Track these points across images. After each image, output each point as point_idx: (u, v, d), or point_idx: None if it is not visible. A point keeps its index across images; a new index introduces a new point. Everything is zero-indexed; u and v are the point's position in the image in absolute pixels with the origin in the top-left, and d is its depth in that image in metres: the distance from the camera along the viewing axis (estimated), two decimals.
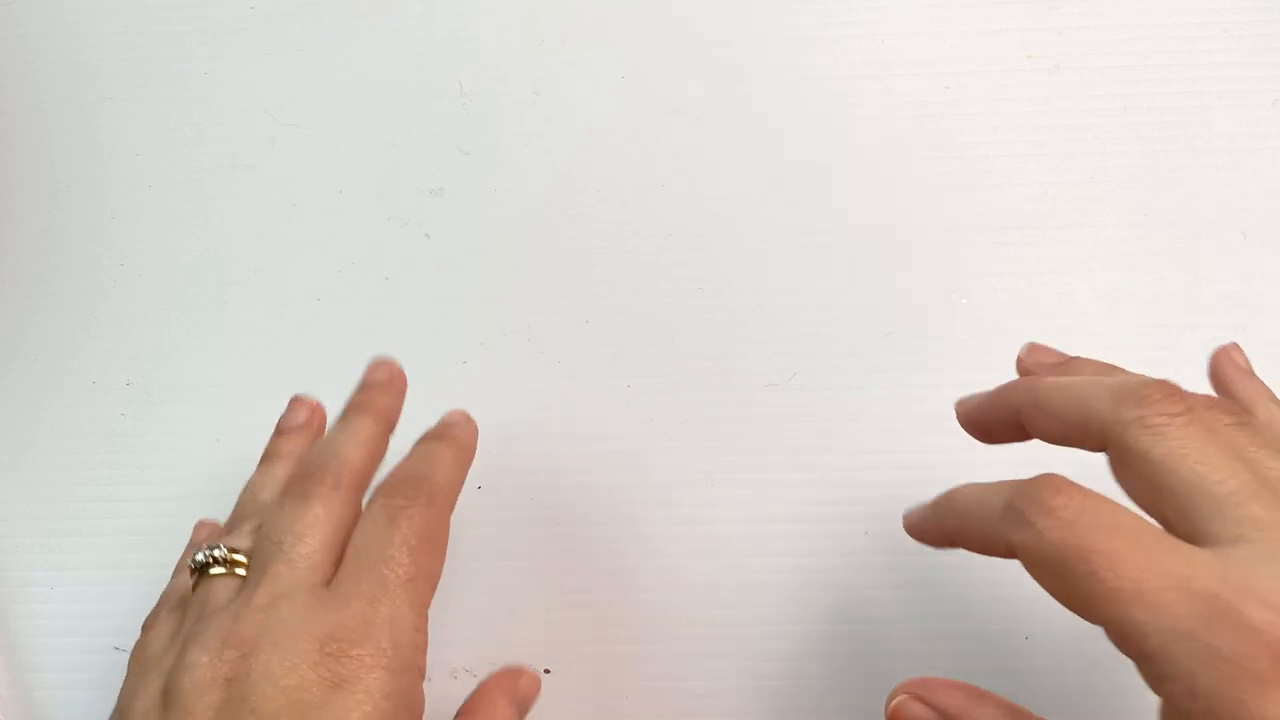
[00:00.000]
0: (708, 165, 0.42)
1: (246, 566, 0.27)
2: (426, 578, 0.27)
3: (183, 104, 0.43)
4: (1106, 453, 0.24)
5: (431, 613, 0.38)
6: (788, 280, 0.40)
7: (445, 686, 0.37)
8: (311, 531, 0.27)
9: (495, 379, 0.39)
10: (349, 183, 0.42)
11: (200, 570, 0.27)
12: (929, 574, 0.36)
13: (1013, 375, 0.39)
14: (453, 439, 0.31)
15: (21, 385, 0.40)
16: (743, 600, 0.37)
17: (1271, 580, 0.20)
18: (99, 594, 0.38)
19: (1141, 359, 0.39)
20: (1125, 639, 0.21)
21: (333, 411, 0.35)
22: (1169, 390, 0.23)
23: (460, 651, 0.37)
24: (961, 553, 0.34)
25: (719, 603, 0.37)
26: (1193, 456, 0.22)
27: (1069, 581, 0.22)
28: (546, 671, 0.37)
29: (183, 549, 0.34)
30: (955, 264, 0.40)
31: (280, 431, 0.33)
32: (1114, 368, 0.28)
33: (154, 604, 0.30)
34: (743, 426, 0.38)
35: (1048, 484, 0.23)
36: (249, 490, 0.30)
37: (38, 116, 0.44)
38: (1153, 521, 0.23)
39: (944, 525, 0.27)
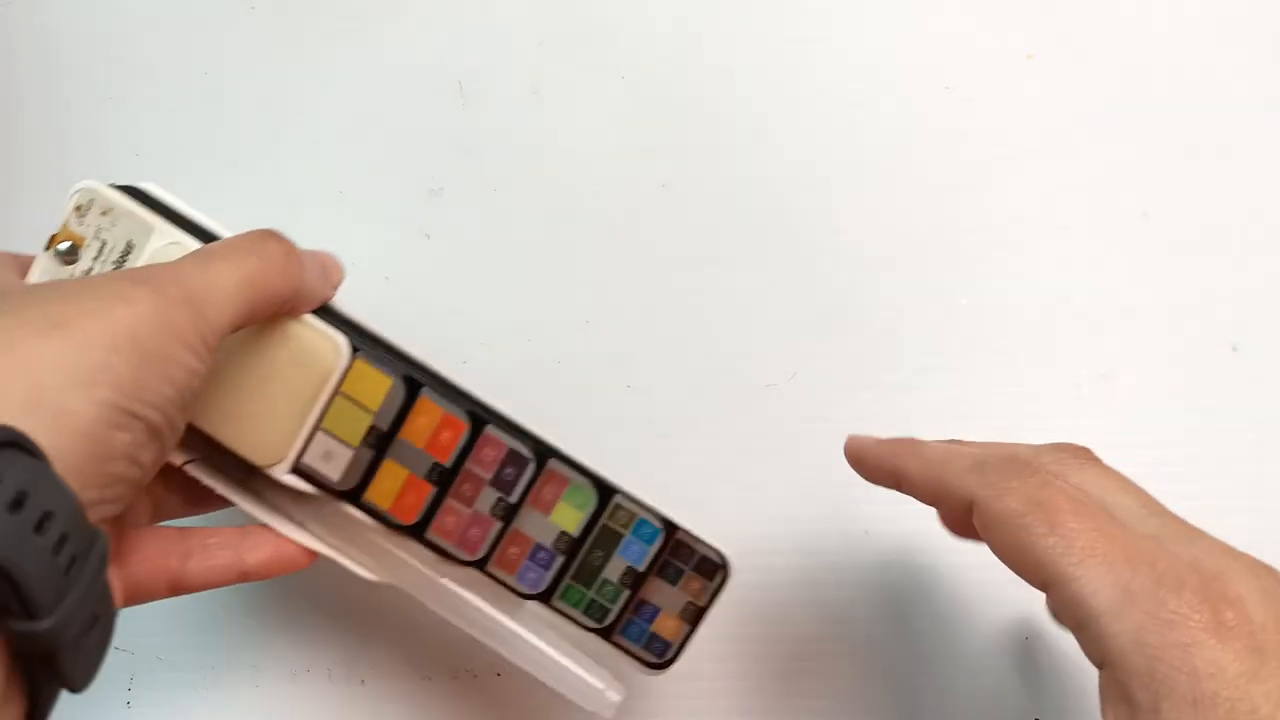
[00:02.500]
0: (708, 166, 0.42)
1: None
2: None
3: (183, 104, 0.43)
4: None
5: (431, 612, 0.38)
6: (788, 280, 0.40)
7: (445, 686, 0.37)
8: None
9: (495, 379, 0.39)
10: (349, 183, 0.42)
11: None
12: (929, 574, 0.36)
13: (1009, 375, 0.39)
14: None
15: None
16: (742, 600, 0.37)
17: (1196, 552, 0.24)
18: None
19: (1141, 359, 0.39)
20: (1076, 600, 0.24)
21: None
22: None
23: (460, 651, 0.37)
24: (964, 553, 0.34)
25: (718, 602, 0.37)
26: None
27: (1027, 538, 0.24)
28: None
29: None
30: (955, 264, 0.40)
31: None
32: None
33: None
34: (743, 426, 0.38)
35: (1021, 455, 0.27)
36: None
37: (37, 116, 0.44)
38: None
39: (900, 464, 0.29)
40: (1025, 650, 0.36)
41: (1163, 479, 0.28)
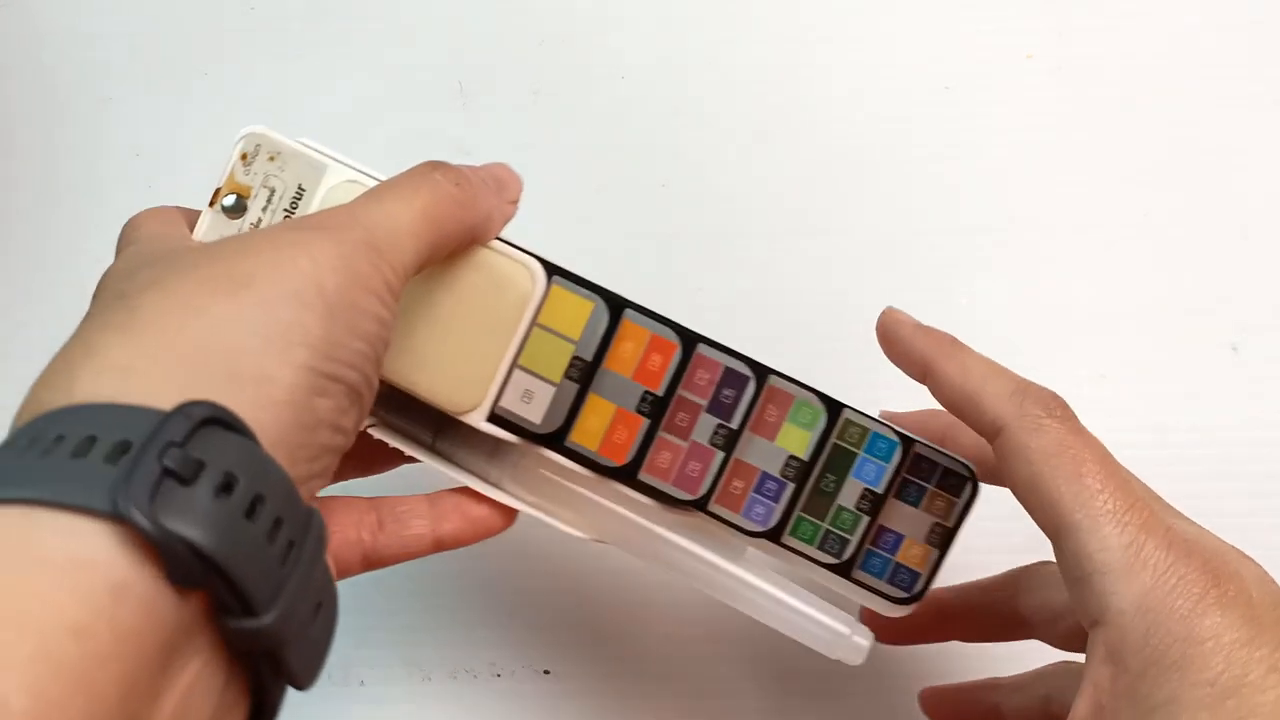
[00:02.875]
0: (708, 165, 0.42)
1: None
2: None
3: (183, 104, 0.43)
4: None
5: (431, 613, 0.38)
6: (787, 280, 0.40)
7: (445, 686, 0.37)
8: None
9: None
10: None
11: None
12: None
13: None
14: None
15: (20, 388, 0.40)
16: None
17: (1196, 532, 0.24)
18: None
19: (1141, 359, 0.39)
20: (1085, 552, 0.23)
21: None
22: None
23: (460, 652, 0.37)
24: (965, 553, 0.33)
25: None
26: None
27: (1050, 478, 0.24)
28: (546, 672, 0.37)
29: None
30: (955, 264, 0.40)
31: None
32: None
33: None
34: None
35: (1059, 397, 0.26)
36: None
37: (37, 117, 0.44)
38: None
39: (937, 363, 0.27)
40: (1025, 650, 0.36)
41: (1163, 479, 0.28)
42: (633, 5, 0.44)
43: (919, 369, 0.28)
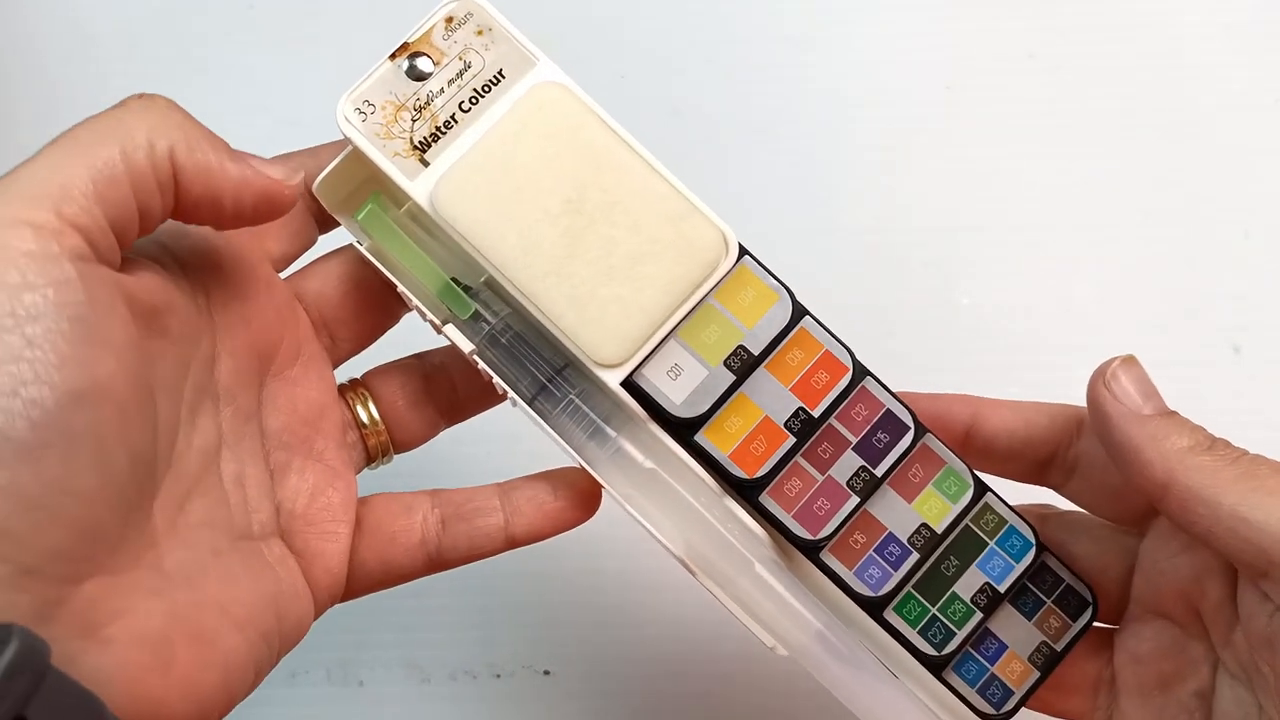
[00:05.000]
0: (708, 165, 0.42)
1: None
2: None
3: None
4: None
5: (430, 614, 0.37)
6: (787, 280, 0.40)
7: (444, 688, 0.37)
8: None
9: None
10: None
11: None
12: None
13: (1009, 375, 0.39)
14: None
15: None
16: None
17: None
18: None
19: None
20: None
21: None
22: None
23: (460, 651, 0.37)
24: None
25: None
26: None
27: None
28: (546, 673, 0.36)
29: None
30: (955, 264, 0.40)
31: None
32: None
33: None
34: None
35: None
36: None
37: (35, 117, 0.44)
38: None
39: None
40: None
41: None
42: (632, 5, 0.44)
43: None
